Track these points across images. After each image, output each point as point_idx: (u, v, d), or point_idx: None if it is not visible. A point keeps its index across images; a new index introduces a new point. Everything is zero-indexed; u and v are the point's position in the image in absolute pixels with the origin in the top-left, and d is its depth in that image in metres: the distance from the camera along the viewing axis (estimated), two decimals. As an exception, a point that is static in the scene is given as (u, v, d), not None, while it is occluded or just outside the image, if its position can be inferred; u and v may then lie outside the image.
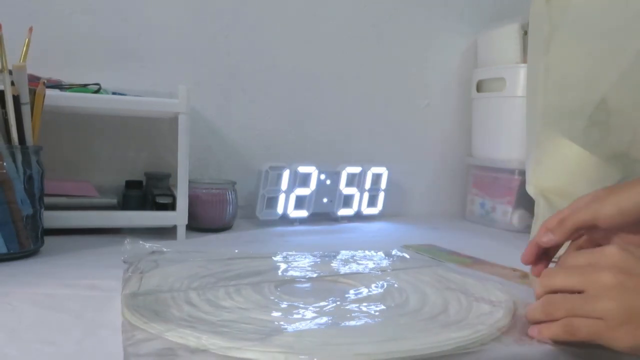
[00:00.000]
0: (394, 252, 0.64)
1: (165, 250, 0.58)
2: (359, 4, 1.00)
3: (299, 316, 0.41)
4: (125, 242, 0.58)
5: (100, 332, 0.38)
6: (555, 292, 0.38)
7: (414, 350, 0.34)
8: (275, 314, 0.41)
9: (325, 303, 0.44)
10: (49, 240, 0.62)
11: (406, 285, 0.51)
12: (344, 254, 0.62)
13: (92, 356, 0.35)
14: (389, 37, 1.03)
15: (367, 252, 0.63)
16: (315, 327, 0.38)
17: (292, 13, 0.95)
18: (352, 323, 0.40)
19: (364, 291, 0.48)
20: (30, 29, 0.61)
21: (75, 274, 0.52)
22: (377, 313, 0.42)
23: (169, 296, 0.44)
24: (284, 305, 0.44)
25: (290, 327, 0.38)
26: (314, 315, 0.41)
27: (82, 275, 0.51)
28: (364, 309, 0.43)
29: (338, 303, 0.44)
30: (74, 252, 0.62)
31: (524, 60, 0.90)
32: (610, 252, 0.36)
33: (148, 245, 0.58)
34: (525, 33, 0.90)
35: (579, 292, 0.36)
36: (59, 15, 0.81)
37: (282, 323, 0.39)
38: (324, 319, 0.40)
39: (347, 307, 0.43)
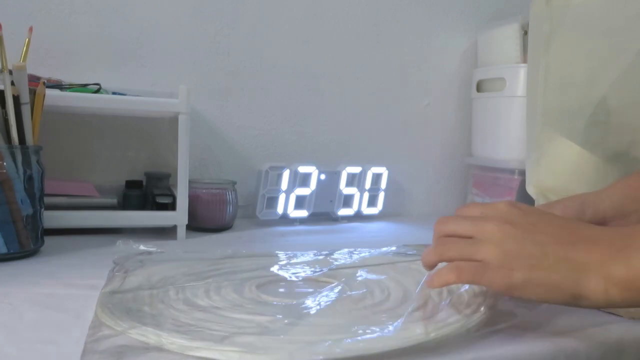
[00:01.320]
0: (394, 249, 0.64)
1: (156, 250, 0.57)
2: (359, 3, 1.00)
3: (271, 317, 0.40)
4: (118, 242, 0.58)
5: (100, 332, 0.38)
6: (448, 236, 0.41)
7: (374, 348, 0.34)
8: (247, 315, 0.41)
9: (302, 301, 0.44)
10: (49, 240, 0.62)
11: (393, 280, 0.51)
12: (342, 252, 0.62)
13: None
14: (389, 36, 1.03)
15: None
16: (284, 325, 0.38)
17: (292, 13, 0.95)
18: (316, 320, 0.40)
19: (343, 289, 0.47)
20: (30, 29, 0.61)
21: (75, 274, 0.52)
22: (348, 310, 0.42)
23: (147, 294, 0.44)
24: (259, 304, 0.43)
25: (256, 326, 0.38)
26: (285, 314, 0.41)
27: (82, 275, 0.51)
28: (338, 307, 0.43)
29: (312, 301, 0.44)
30: (74, 252, 0.62)
31: (524, 60, 0.90)
32: (500, 206, 0.40)
33: (140, 246, 0.58)
34: (525, 33, 0.90)
35: (469, 238, 0.39)
36: (59, 15, 0.81)
37: (250, 322, 0.39)
38: (292, 319, 0.40)
39: (320, 306, 0.43)
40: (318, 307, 0.42)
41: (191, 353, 0.34)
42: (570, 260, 0.35)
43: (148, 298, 0.43)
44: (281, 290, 0.50)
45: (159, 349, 0.34)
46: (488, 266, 0.37)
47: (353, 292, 0.47)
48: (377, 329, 0.37)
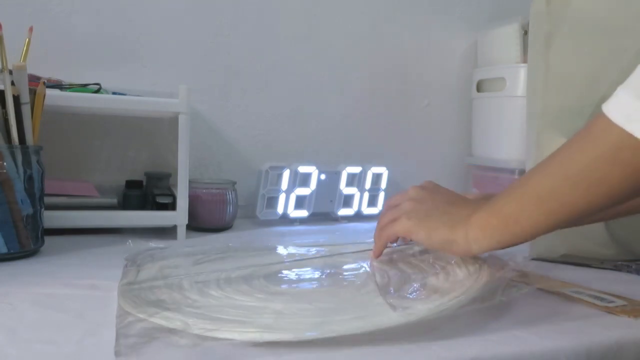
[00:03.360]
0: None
1: (164, 247, 0.59)
2: (359, 3, 1.00)
3: (282, 303, 0.43)
4: (128, 242, 0.58)
5: (100, 332, 0.38)
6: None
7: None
8: (260, 302, 0.43)
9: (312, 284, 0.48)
10: (49, 240, 0.62)
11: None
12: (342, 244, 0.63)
13: (92, 356, 0.35)
14: (389, 37, 1.03)
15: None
16: (296, 309, 0.41)
17: (292, 13, 0.95)
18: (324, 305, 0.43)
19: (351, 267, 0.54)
20: (31, 29, 0.61)
21: (75, 274, 0.52)
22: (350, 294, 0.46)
23: (162, 284, 0.46)
24: (270, 292, 0.46)
25: (271, 311, 0.41)
26: (296, 298, 0.44)
27: (82, 275, 0.51)
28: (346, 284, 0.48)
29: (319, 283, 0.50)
30: (74, 252, 0.62)
31: (524, 60, 0.90)
32: (410, 191, 0.55)
33: (150, 243, 0.60)
34: (525, 33, 0.90)
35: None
36: (59, 15, 0.81)
37: (265, 309, 0.41)
38: (303, 304, 0.43)
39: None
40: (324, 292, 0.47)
41: (214, 334, 0.36)
42: (448, 214, 0.50)
43: (165, 289, 0.45)
44: (287, 278, 0.52)
45: (183, 332, 0.36)
46: (399, 219, 0.52)
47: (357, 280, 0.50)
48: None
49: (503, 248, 0.47)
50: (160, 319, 0.38)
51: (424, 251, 0.58)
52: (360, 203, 0.94)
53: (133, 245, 0.58)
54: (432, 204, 0.52)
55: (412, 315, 0.39)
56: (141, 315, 0.39)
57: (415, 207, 0.52)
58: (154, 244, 0.59)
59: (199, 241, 0.72)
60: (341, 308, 0.41)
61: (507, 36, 0.94)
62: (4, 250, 0.55)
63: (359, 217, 0.95)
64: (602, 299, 0.49)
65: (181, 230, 0.72)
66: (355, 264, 0.56)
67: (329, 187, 0.91)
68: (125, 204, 0.78)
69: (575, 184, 0.41)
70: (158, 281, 0.47)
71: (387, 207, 0.57)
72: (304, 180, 0.89)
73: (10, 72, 0.57)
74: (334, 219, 0.94)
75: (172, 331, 0.37)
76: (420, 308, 0.40)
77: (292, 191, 0.87)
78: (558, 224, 0.44)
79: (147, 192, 0.81)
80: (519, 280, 0.55)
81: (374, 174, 0.95)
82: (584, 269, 0.63)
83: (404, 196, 0.55)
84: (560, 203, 0.43)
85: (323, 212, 0.92)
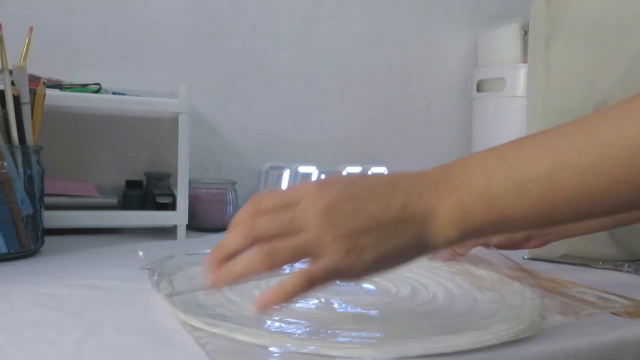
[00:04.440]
0: None
1: (185, 254, 0.57)
2: (359, 4, 1.00)
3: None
4: (139, 253, 0.57)
5: (100, 332, 0.38)
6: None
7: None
8: (318, 311, 0.43)
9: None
10: (49, 240, 0.62)
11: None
12: None
13: (92, 356, 0.35)
14: (389, 37, 1.03)
15: None
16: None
17: (292, 13, 0.95)
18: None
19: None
20: (31, 29, 0.61)
21: (75, 274, 0.52)
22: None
23: (203, 294, 0.45)
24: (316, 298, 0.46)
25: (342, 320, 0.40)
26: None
27: (82, 275, 0.51)
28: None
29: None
30: (74, 252, 0.62)
31: (524, 60, 0.90)
32: (310, 189, 0.36)
33: (161, 250, 0.57)
34: (526, 33, 0.90)
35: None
36: (59, 15, 0.81)
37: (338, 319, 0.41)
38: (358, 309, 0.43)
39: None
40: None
41: (307, 351, 0.35)
42: (407, 222, 0.34)
43: (210, 298, 0.44)
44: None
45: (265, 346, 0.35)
46: (337, 259, 0.34)
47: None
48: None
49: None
50: (244, 335, 0.36)
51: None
52: (360, 203, 0.94)
53: (143, 254, 0.56)
54: (359, 200, 0.35)
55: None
56: (216, 331, 0.37)
57: (331, 213, 0.34)
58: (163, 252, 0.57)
59: (199, 241, 0.72)
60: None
61: (507, 36, 0.94)
62: (4, 250, 0.55)
63: (359, 217, 0.95)
64: (607, 300, 0.49)
65: (181, 230, 0.72)
66: None
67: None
68: (125, 204, 0.78)
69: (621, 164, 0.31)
70: (197, 291, 0.45)
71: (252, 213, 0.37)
72: (304, 180, 0.88)
73: (10, 72, 0.57)
74: (334, 219, 0.93)
75: (256, 346, 0.36)
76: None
77: (292, 191, 0.87)
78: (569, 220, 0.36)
79: (147, 192, 0.81)
80: (521, 281, 0.55)
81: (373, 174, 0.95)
82: (584, 269, 0.63)
83: (293, 190, 0.37)
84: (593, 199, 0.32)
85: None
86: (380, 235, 0.34)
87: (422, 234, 0.35)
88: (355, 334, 0.37)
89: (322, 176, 0.90)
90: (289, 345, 0.35)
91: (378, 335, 0.38)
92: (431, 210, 0.34)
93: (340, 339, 0.37)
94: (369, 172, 0.94)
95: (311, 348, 0.35)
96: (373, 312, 0.44)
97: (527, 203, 0.33)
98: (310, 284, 0.35)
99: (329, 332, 0.38)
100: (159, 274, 0.49)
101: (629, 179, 0.31)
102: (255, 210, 0.37)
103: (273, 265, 0.35)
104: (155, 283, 0.47)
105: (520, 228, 0.36)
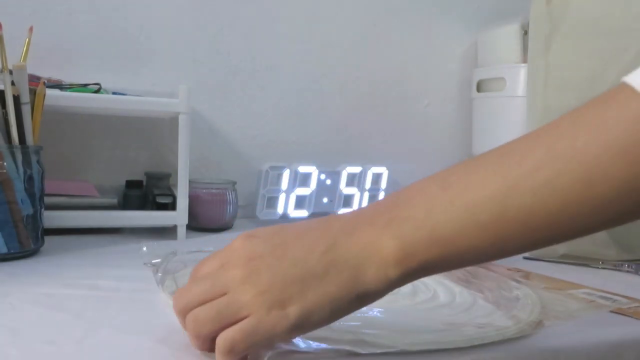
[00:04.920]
0: None
1: (187, 250, 0.56)
2: (359, 3, 1.00)
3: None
4: (143, 248, 0.56)
5: (100, 332, 0.38)
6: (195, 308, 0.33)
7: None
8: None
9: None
10: (49, 240, 0.62)
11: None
12: None
13: (92, 356, 0.35)
14: (389, 37, 1.03)
15: None
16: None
17: (292, 13, 0.95)
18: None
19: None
20: (31, 29, 0.61)
21: (75, 274, 0.52)
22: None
23: None
24: None
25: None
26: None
27: (82, 275, 0.51)
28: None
29: None
30: (74, 252, 0.62)
31: (524, 60, 0.90)
32: (236, 246, 0.33)
33: (165, 248, 0.56)
34: (526, 33, 0.90)
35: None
36: (59, 15, 0.81)
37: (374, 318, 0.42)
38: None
39: None
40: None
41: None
42: (338, 265, 0.30)
43: None
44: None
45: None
46: (256, 317, 0.30)
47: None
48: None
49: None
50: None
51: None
52: (360, 203, 0.94)
53: (148, 249, 0.56)
54: (292, 258, 0.31)
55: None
56: None
57: (259, 274, 0.31)
58: (166, 249, 0.56)
59: (199, 241, 0.72)
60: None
61: (507, 36, 0.94)
62: (4, 250, 0.55)
63: (359, 217, 0.95)
64: (607, 299, 0.49)
65: (181, 230, 0.72)
66: None
67: (328, 187, 0.91)
68: (125, 204, 0.78)
69: (585, 171, 0.28)
70: None
71: (197, 281, 0.33)
72: (304, 180, 0.89)
73: (10, 72, 0.57)
74: (334, 219, 0.93)
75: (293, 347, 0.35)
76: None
77: (292, 191, 0.87)
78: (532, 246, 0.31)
79: (147, 192, 0.81)
80: (521, 280, 0.55)
81: (374, 174, 0.95)
82: (584, 269, 0.63)
83: (223, 254, 0.34)
84: (547, 219, 0.29)
85: (323, 212, 0.92)
86: (307, 285, 0.30)
87: (357, 278, 0.30)
88: (366, 330, 0.37)
89: (322, 176, 0.90)
90: (298, 341, 0.35)
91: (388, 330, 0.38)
92: (365, 248, 0.31)
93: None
94: (368, 172, 0.94)
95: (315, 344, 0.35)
96: (376, 312, 0.44)
97: (475, 231, 0.29)
98: (230, 351, 0.31)
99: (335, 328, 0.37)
100: (163, 271, 0.49)
101: (586, 197, 0.28)
102: (191, 304, 0.33)
103: (197, 332, 0.32)
104: (160, 280, 0.47)
105: (472, 261, 0.31)
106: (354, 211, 0.34)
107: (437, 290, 0.50)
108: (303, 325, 0.31)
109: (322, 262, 0.31)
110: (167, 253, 0.55)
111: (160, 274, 0.48)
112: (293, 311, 0.30)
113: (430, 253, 0.30)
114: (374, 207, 0.33)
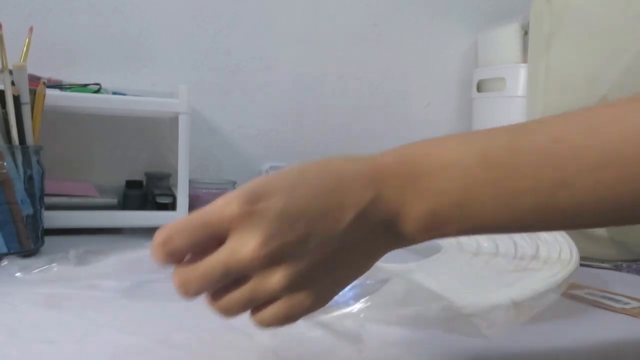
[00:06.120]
0: None
1: None
2: (359, 3, 1.00)
3: None
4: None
5: (100, 332, 0.38)
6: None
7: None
8: None
9: None
10: (49, 240, 0.62)
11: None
12: None
13: (92, 356, 0.35)
14: (389, 36, 1.03)
15: None
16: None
17: (292, 13, 0.95)
18: None
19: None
20: (31, 29, 0.61)
21: (76, 274, 0.52)
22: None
23: None
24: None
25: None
26: None
27: (82, 276, 0.51)
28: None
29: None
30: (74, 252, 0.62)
31: (524, 60, 0.90)
32: (254, 254, 0.29)
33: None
34: (526, 33, 0.90)
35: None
36: (59, 15, 0.81)
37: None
38: None
39: None
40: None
41: None
42: (368, 235, 0.29)
43: None
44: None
45: None
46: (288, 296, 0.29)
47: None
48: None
49: None
50: None
51: None
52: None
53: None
54: (294, 222, 0.29)
55: None
56: None
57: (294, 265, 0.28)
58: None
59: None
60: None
61: (507, 36, 0.94)
62: (4, 250, 0.55)
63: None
64: (607, 299, 0.49)
65: (181, 230, 0.72)
66: None
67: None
68: (125, 204, 0.78)
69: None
70: None
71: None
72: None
73: (10, 72, 0.57)
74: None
75: None
76: None
77: (292, 191, 0.87)
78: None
79: (147, 192, 0.81)
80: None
81: (374, 174, 0.95)
82: (584, 269, 0.63)
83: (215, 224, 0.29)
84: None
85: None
86: (337, 258, 0.29)
87: (386, 238, 0.30)
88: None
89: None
90: None
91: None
92: (398, 214, 0.29)
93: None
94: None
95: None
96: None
97: (512, 216, 0.28)
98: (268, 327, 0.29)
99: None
100: None
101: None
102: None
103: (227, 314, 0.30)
104: None
105: (494, 232, 0.32)
106: (365, 163, 0.31)
107: (479, 241, 0.48)
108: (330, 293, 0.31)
109: (350, 232, 0.29)
110: None
111: None
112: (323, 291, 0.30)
113: (460, 228, 0.29)
114: (397, 167, 0.31)
